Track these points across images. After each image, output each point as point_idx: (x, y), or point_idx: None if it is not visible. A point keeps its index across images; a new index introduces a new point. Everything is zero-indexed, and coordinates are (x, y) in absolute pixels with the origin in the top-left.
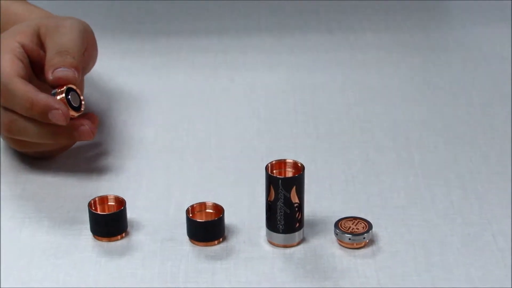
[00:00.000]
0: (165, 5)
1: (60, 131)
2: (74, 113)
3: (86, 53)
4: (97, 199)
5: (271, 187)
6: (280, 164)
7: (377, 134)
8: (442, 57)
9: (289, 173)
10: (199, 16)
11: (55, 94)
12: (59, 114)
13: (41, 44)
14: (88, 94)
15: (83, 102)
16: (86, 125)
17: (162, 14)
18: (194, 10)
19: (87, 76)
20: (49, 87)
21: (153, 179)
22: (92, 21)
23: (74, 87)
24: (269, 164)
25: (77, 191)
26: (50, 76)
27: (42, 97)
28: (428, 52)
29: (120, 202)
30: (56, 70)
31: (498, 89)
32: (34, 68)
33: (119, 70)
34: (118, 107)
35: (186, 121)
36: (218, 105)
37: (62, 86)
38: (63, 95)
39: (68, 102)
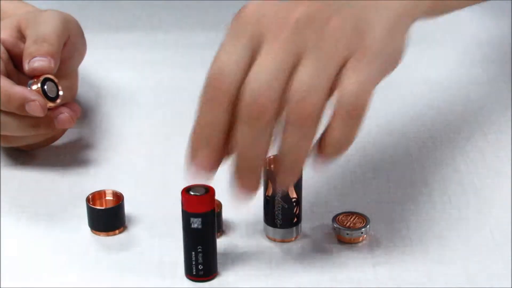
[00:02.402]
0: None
1: (39, 122)
2: (51, 104)
3: (69, 42)
4: (95, 194)
5: (269, 181)
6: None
7: (374, 129)
8: (439, 52)
9: None
10: (195, 12)
11: (31, 85)
12: (36, 105)
13: (22, 37)
14: (81, 88)
15: (60, 92)
16: (65, 113)
17: (157, 9)
18: (189, 5)
19: (79, 70)
20: (29, 79)
21: (150, 173)
22: (87, 16)
23: (51, 77)
24: (267, 159)
25: (74, 186)
26: (26, 66)
27: (18, 90)
28: (424, 47)
29: (118, 197)
30: (31, 60)
31: (495, 84)
32: (16, 62)
33: (113, 64)
34: (114, 101)
35: (184, 115)
36: None
37: (38, 77)
38: (39, 85)
39: (44, 92)
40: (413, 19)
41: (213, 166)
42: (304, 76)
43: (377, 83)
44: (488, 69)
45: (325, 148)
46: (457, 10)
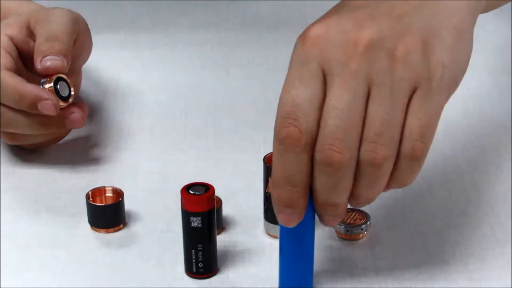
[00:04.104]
0: None
1: (50, 121)
2: (63, 103)
3: (78, 41)
4: (94, 190)
5: (269, 178)
6: None
7: None
8: None
9: None
10: (196, 9)
11: (44, 84)
12: (49, 104)
13: (31, 35)
14: (85, 86)
15: (72, 92)
16: (76, 113)
17: (159, 7)
18: (195, 4)
19: (84, 68)
20: (39, 77)
21: (150, 170)
22: (90, 13)
23: (63, 76)
24: (267, 156)
25: (74, 183)
26: (38, 65)
27: (30, 88)
28: None
29: (118, 194)
30: (44, 58)
31: (496, 79)
32: (25, 60)
33: (115, 62)
34: (115, 98)
35: (183, 113)
36: (215, 97)
37: (51, 76)
38: (52, 84)
39: (56, 91)
40: (475, 17)
41: (302, 213)
42: (378, 118)
43: (443, 106)
44: (488, 64)
45: (387, 187)
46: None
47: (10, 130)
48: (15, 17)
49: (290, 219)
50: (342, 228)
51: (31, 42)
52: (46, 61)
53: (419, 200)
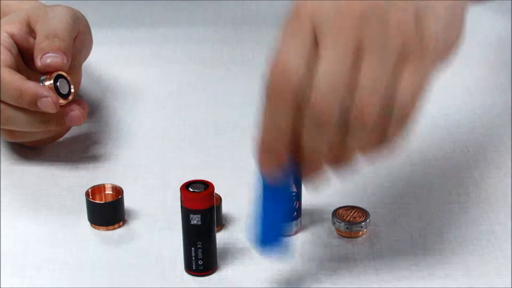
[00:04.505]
0: None
1: (49, 118)
2: (63, 101)
3: (78, 39)
4: (94, 188)
5: None
6: None
7: None
8: None
9: None
10: (196, 6)
11: (43, 81)
12: (49, 101)
13: (31, 32)
14: (85, 83)
15: (72, 90)
16: (76, 110)
17: (159, 4)
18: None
19: (84, 65)
20: (39, 74)
21: (149, 168)
22: (90, 10)
23: (63, 73)
24: None
25: (74, 180)
26: (38, 62)
27: (30, 86)
28: None
29: (118, 191)
30: (44, 56)
31: (496, 77)
32: (25, 57)
33: (116, 59)
34: (114, 96)
35: (183, 110)
36: (215, 94)
37: (51, 73)
38: (51, 81)
39: (56, 89)
40: None
41: (281, 171)
42: (369, 80)
43: (433, 75)
44: (488, 63)
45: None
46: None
47: (10, 127)
48: (15, 14)
49: (268, 165)
50: (342, 226)
51: (31, 39)
52: (46, 58)
53: (419, 198)
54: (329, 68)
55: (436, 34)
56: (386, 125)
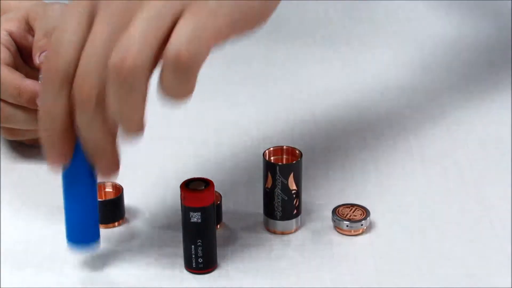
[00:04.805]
0: None
1: None
2: None
3: None
4: None
5: (269, 173)
6: (278, 150)
7: (374, 121)
8: (438, 44)
9: (287, 159)
10: None
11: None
12: None
13: (30, 30)
14: None
15: None
16: None
17: None
18: None
19: None
20: (37, 72)
21: (149, 166)
22: None
23: None
24: (267, 151)
25: None
26: (37, 60)
27: (29, 84)
28: (424, 39)
29: (117, 189)
30: (43, 54)
31: (496, 75)
32: (24, 55)
33: None
34: None
35: (183, 107)
36: (214, 92)
37: None
38: None
39: None
40: None
41: (67, 155)
42: (131, 36)
43: (220, 35)
44: (489, 60)
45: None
46: None
47: (9, 126)
48: (14, 12)
49: (52, 158)
50: (342, 224)
51: (30, 37)
52: (44, 55)
53: (419, 196)
54: (91, 45)
55: None
56: (163, 75)
